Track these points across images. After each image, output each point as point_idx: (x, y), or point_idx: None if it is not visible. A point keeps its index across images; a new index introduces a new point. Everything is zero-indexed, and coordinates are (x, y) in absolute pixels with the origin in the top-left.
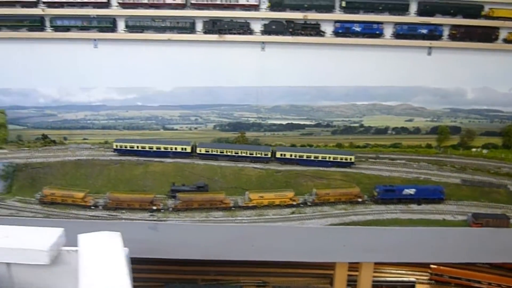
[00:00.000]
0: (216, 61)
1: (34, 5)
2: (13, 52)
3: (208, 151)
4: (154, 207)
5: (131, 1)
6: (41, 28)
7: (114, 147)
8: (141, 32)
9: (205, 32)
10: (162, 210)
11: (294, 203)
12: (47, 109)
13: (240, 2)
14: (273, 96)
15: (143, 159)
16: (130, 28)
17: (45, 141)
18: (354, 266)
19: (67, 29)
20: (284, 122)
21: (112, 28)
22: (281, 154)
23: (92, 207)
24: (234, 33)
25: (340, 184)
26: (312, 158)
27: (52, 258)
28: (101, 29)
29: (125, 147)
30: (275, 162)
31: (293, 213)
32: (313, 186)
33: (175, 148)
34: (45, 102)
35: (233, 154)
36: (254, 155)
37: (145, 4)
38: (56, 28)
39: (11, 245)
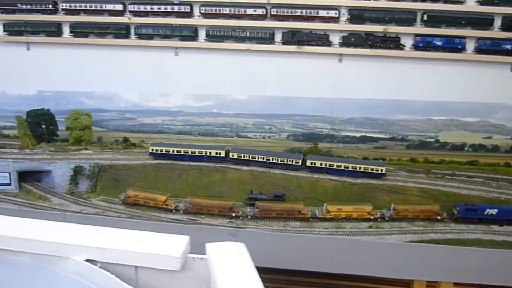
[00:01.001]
0: (293, 72)
1: (121, 13)
2: (99, 57)
3: (240, 156)
4: (233, 214)
5: (213, 12)
6: (126, 35)
7: (150, 150)
8: (221, 41)
9: (284, 43)
10: (240, 217)
11: (372, 217)
12: (127, 113)
13: (320, 14)
14: (348, 108)
15: (220, 166)
16: (210, 38)
17: (126, 143)
18: (432, 285)
19: (150, 37)
20: (357, 135)
21: (193, 37)
22: (311, 163)
23: (173, 211)
24: (313, 45)
25: (417, 200)
26: (342, 168)
27: (182, 264)
28: (183, 38)
29: (161, 150)
30: (305, 170)
31: (370, 227)
32: (389, 201)
33: (210, 153)
34: (125, 106)
35: (265, 160)
36: (285, 162)
37: (226, 14)
38: (140, 36)
39: (145, 250)
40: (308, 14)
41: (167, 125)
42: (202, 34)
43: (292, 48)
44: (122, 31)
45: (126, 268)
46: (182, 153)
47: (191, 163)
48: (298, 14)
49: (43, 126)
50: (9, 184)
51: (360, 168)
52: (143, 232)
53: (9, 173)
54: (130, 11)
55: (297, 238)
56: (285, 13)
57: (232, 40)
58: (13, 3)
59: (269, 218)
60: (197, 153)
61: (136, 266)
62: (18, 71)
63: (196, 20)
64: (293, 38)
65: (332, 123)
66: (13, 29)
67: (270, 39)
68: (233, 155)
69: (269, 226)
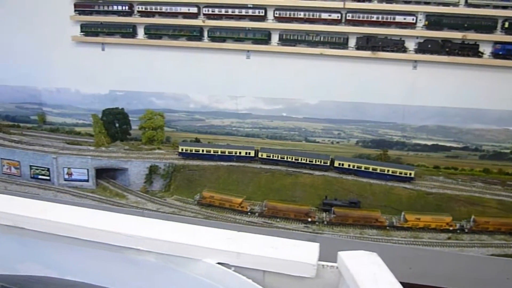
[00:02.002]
0: (365, 77)
1: (195, 16)
2: (171, 59)
3: (269, 156)
4: (309, 219)
5: (287, 16)
6: (199, 38)
7: (180, 150)
8: (293, 45)
9: (358, 48)
10: (316, 223)
11: (451, 228)
12: (196, 114)
13: (397, 20)
14: (420, 115)
15: (292, 170)
16: (283, 41)
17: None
18: None
19: (223, 39)
20: (429, 143)
21: (266, 40)
22: (339, 164)
23: (249, 213)
24: (388, 51)
25: (495, 212)
26: (370, 170)
27: (317, 271)
28: (255, 41)
29: (190, 150)
30: (334, 171)
31: (449, 238)
32: (467, 212)
33: (239, 153)
34: (195, 107)
35: (293, 160)
36: (314, 163)
37: (301, 18)
38: (213, 39)
39: (280, 256)
40: (385, 20)
41: (235, 127)
42: (275, 37)
43: (367, 53)
44: (195, 34)
45: (254, 273)
46: (212, 153)
47: (263, 166)
48: (374, 19)
49: (117, 125)
50: (87, 181)
51: (388, 171)
52: (273, 237)
53: (87, 170)
54: (204, 14)
55: (375, 246)
56: (361, 18)
57: (305, 45)
58: (91, 4)
59: (345, 225)
60: (226, 153)
61: (264, 271)
62: (92, 70)
63: (270, 23)
64: (368, 43)
65: (403, 130)
66: (89, 30)
67: (344, 44)
68: (262, 155)
69: (345, 232)
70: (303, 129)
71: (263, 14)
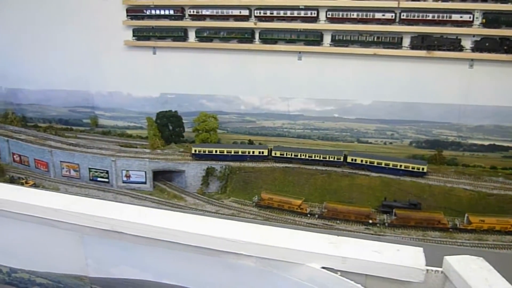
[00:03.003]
0: (420, 77)
1: (246, 18)
2: (222, 61)
3: (283, 154)
4: (370, 221)
5: (340, 16)
6: (251, 40)
7: (193, 152)
8: (346, 46)
9: (412, 48)
10: (377, 225)
11: None
12: (247, 115)
13: (453, 18)
14: (477, 115)
15: (348, 171)
16: (335, 42)
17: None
18: None
19: (274, 41)
20: (486, 143)
21: (318, 41)
22: (352, 159)
23: (308, 215)
24: (443, 50)
25: None
26: (383, 165)
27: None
28: (307, 42)
29: (203, 151)
30: (347, 167)
31: None
32: None
33: (253, 152)
34: (245, 109)
35: (307, 157)
36: (327, 159)
37: (354, 19)
38: (265, 41)
39: (386, 260)
40: (440, 18)
41: (287, 128)
42: (326, 38)
43: (422, 53)
44: (247, 36)
45: (357, 277)
46: (225, 153)
47: (318, 167)
48: (430, 18)
49: (170, 127)
50: (145, 183)
51: (401, 166)
52: (375, 242)
53: (145, 172)
54: (255, 16)
55: (438, 248)
56: (416, 17)
57: (358, 45)
58: (143, 9)
59: (407, 227)
60: (240, 153)
61: (366, 275)
62: (144, 74)
63: (322, 24)
64: (423, 42)
65: (459, 130)
66: (141, 34)
67: (398, 44)
68: (275, 154)
69: (407, 234)
70: (355, 130)
71: (315, 15)
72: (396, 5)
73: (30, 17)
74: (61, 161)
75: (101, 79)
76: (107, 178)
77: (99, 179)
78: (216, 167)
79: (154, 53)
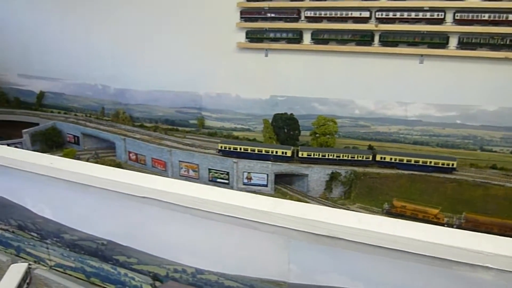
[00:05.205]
0: None
1: (366, 20)
2: (337, 64)
3: (310, 155)
4: None
5: (470, 18)
6: (369, 42)
7: (219, 148)
8: (474, 49)
9: None
10: None
11: None
12: (360, 120)
13: None
14: None
15: (480, 181)
16: (462, 45)
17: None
18: None
19: (395, 44)
20: None
21: (444, 44)
22: (381, 158)
23: (445, 225)
24: None
25: None
26: (412, 162)
27: None
28: (431, 45)
29: (229, 148)
30: (375, 166)
31: None
32: None
33: (276, 152)
34: (360, 113)
35: (334, 157)
36: (355, 159)
37: (485, 21)
38: (385, 43)
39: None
40: None
41: (403, 134)
42: (452, 41)
43: None
44: (366, 38)
45: None
46: (249, 151)
47: (447, 176)
48: None
49: (285, 130)
50: (266, 185)
51: (430, 162)
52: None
53: (267, 175)
54: (376, 18)
55: None
56: None
57: (488, 48)
58: (257, 11)
59: None
60: (263, 152)
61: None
62: (254, 76)
63: (449, 26)
64: None
65: None
66: (254, 36)
67: None
68: (302, 154)
69: None
70: (478, 138)
71: (442, 17)
72: None
73: (141, 19)
74: (180, 161)
75: (211, 80)
76: (227, 179)
77: (218, 180)
78: (341, 172)
79: (266, 55)
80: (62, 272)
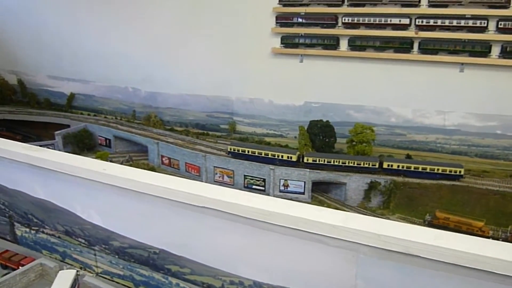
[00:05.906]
0: None
1: (406, 27)
2: (374, 71)
3: (315, 160)
4: None
5: (509, 26)
6: (408, 50)
7: (229, 150)
8: None
9: None
10: None
11: None
12: (397, 128)
13: None
14: None
15: None
16: (506, 54)
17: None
18: None
19: (435, 52)
20: None
21: (486, 53)
22: (388, 165)
23: (490, 239)
24: None
25: None
26: (420, 170)
27: None
28: (472, 54)
29: (237, 150)
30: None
31: None
32: None
33: (281, 156)
34: (396, 121)
35: (340, 164)
36: (362, 165)
37: None
38: (424, 51)
39: None
40: None
41: (440, 143)
42: (495, 50)
43: None
44: (405, 45)
45: None
46: (256, 154)
47: (489, 187)
48: None
49: (321, 137)
50: (303, 193)
51: (438, 169)
52: None
53: (304, 182)
54: (416, 25)
55: None
56: None
57: None
58: (293, 16)
59: None
60: (270, 156)
61: None
62: (288, 82)
63: (491, 35)
64: None
65: None
66: (290, 42)
67: None
68: (307, 160)
69: None
70: None
71: (485, 25)
72: None
73: (175, 23)
74: (214, 166)
75: (244, 85)
76: (263, 186)
77: (254, 186)
78: (380, 181)
79: (301, 61)
80: (109, 280)
